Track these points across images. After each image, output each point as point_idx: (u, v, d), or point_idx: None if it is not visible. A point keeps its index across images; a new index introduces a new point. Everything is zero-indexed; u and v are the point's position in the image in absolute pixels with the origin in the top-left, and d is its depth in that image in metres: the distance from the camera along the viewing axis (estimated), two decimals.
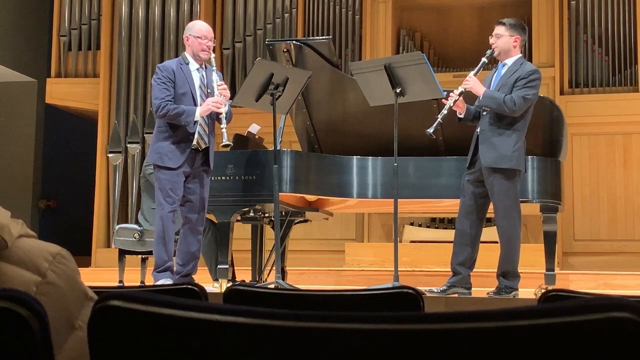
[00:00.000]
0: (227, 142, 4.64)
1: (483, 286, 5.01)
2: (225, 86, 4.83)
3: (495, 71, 4.90)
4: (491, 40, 4.81)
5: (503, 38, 4.78)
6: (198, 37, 4.85)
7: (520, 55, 4.85)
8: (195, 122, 4.74)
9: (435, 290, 4.71)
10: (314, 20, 8.83)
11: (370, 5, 8.68)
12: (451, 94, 4.72)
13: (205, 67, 4.92)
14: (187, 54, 4.90)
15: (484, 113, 4.75)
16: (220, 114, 4.74)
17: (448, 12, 9.14)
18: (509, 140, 4.64)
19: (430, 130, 4.68)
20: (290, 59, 5.57)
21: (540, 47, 8.33)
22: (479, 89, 4.69)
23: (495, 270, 4.78)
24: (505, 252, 4.70)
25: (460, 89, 4.71)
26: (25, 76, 9.85)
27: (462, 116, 4.77)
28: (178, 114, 4.71)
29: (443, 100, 4.75)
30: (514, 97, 4.60)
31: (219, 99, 4.74)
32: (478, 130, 4.77)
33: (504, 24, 4.81)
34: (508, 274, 4.69)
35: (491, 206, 4.78)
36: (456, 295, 4.70)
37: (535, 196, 5.14)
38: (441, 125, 5.40)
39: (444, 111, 4.70)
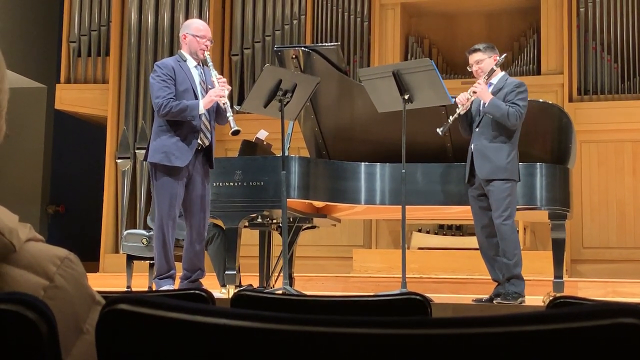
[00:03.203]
0: (237, 128, 4.54)
1: (487, 293, 5.00)
2: (224, 79, 4.77)
3: None
4: (474, 69, 4.96)
5: (484, 62, 4.93)
6: (196, 35, 4.77)
7: (504, 72, 5.05)
8: (200, 115, 4.65)
9: (482, 300, 4.83)
10: (323, 27, 8.84)
11: (378, 12, 8.69)
12: (463, 98, 4.83)
13: (202, 66, 4.85)
14: (184, 52, 4.82)
15: (477, 129, 4.87)
16: (225, 103, 4.64)
17: (456, 19, 9.13)
18: (502, 153, 4.79)
19: (440, 130, 4.82)
20: (298, 65, 5.58)
21: (549, 54, 8.31)
22: (486, 96, 4.80)
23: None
24: (508, 257, 4.74)
25: (470, 92, 4.83)
26: (34, 82, 9.89)
27: (461, 113, 4.85)
28: (182, 109, 4.60)
29: (458, 99, 4.86)
30: (515, 112, 4.76)
31: (220, 89, 4.65)
32: (472, 146, 4.88)
33: (478, 49, 4.98)
34: (513, 278, 4.73)
35: None
36: (498, 301, 4.78)
37: (544, 203, 5.13)
38: (450, 132, 5.42)
39: (456, 115, 4.82)
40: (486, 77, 4.89)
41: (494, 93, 4.88)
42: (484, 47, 4.97)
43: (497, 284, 4.90)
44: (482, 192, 4.88)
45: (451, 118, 4.83)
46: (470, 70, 5.01)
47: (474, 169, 4.86)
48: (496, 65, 4.90)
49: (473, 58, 4.97)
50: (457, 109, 4.83)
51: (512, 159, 4.79)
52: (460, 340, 0.86)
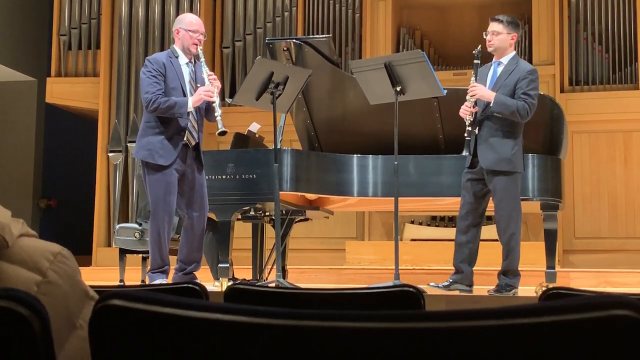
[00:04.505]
0: (223, 129, 4.54)
1: (484, 284, 5.02)
2: (215, 76, 4.76)
3: (489, 69, 4.86)
4: (488, 38, 4.78)
5: (501, 35, 4.76)
6: (189, 30, 4.74)
7: (515, 53, 4.85)
8: (188, 113, 4.63)
9: (439, 286, 4.73)
10: (314, 19, 8.83)
11: (370, 4, 8.68)
12: (465, 108, 4.69)
13: (194, 62, 4.82)
14: (177, 47, 4.78)
15: (481, 117, 4.72)
16: (213, 102, 4.63)
17: (448, 10, 9.13)
18: (507, 143, 4.66)
19: (465, 152, 4.71)
20: (290, 58, 5.57)
21: (541, 44, 8.32)
22: (488, 95, 4.66)
23: (496, 268, 4.81)
24: (507, 250, 4.72)
25: (471, 99, 4.69)
26: (25, 75, 9.85)
27: (472, 126, 4.71)
28: (170, 106, 4.58)
29: (461, 113, 4.71)
30: (525, 105, 4.61)
31: (210, 88, 4.63)
32: (476, 131, 4.76)
33: (501, 21, 4.79)
34: (509, 272, 4.72)
35: (491, 205, 4.80)
36: (457, 292, 4.73)
37: (536, 194, 5.14)
38: (442, 124, 5.40)
39: (468, 128, 4.69)
40: (475, 77, 4.73)
41: (504, 76, 4.73)
42: (507, 22, 4.77)
43: (455, 270, 4.81)
44: (480, 177, 4.76)
45: (467, 135, 4.69)
46: (485, 37, 4.79)
47: (477, 154, 4.74)
48: (478, 59, 4.72)
49: (492, 27, 4.78)
50: (466, 125, 4.68)
51: (517, 150, 4.67)
52: (454, 334, 0.86)
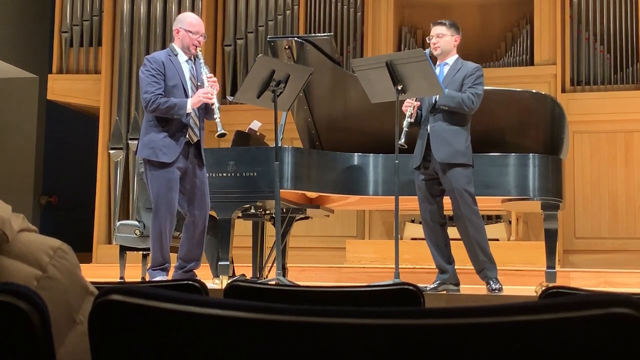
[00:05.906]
0: (223, 132, 4.55)
1: (481, 282, 5.01)
2: (214, 78, 4.78)
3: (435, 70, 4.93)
4: (433, 41, 4.88)
5: (446, 37, 4.87)
6: (189, 31, 4.74)
7: (457, 55, 4.93)
8: (188, 114, 4.64)
9: (427, 288, 4.74)
10: (316, 17, 8.83)
11: (372, 2, 8.68)
12: (407, 101, 4.74)
13: (194, 60, 4.83)
14: (176, 46, 4.79)
15: (432, 112, 4.77)
16: (212, 104, 4.65)
17: (450, 10, 9.12)
18: (460, 137, 4.73)
19: (402, 141, 4.67)
20: (291, 56, 5.57)
21: (542, 44, 8.32)
22: None
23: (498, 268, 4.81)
24: (479, 243, 4.73)
25: None
26: (26, 72, 9.85)
27: (412, 119, 4.77)
28: (169, 107, 4.59)
29: (404, 108, 4.76)
30: (470, 96, 4.70)
31: (209, 90, 4.64)
32: (428, 128, 4.79)
33: (444, 23, 4.91)
34: (486, 263, 4.72)
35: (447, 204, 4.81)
36: (445, 292, 4.74)
37: (537, 194, 5.14)
38: None
39: (409, 119, 4.74)
40: None
41: (451, 74, 4.81)
42: (449, 24, 4.90)
43: (439, 271, 4.85)
44: (433, 177, 4.79)
45: (405, 126, 4.70)
46: (428, 42, 4.91)
47: (428, 153, 4.77)
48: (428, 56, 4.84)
49: (435, 30, 4.89)
50: (406, 116, 4.72)
51: (468, 144, 4.74)
52: (453, 331, 0.87)
